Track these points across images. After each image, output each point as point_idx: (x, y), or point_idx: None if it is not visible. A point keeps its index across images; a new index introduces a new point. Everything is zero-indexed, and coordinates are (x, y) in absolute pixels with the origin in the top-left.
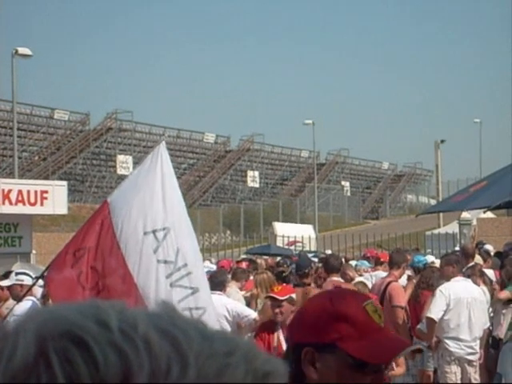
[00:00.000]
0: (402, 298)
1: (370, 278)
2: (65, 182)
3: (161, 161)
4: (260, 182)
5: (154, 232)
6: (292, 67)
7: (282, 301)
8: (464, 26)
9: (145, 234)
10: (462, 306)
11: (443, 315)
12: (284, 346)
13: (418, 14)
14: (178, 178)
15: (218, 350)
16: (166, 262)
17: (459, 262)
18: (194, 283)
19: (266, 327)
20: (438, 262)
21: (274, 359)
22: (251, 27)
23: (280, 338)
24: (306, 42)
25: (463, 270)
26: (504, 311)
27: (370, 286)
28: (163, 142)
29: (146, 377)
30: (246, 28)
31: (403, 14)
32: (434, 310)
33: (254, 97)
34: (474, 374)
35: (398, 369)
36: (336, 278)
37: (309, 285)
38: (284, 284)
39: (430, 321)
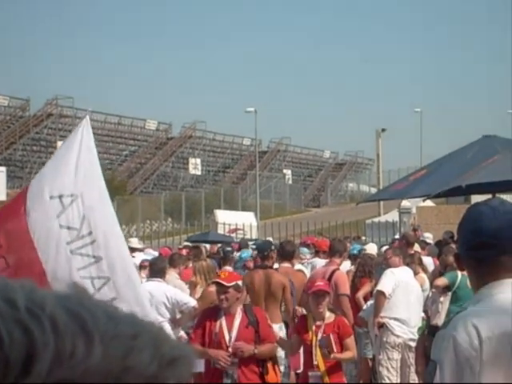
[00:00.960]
0: (347, 287)
1: (307, 265)
2: (4, 168)
3: (81, 134)
4: (202, 170)
5: (60, 197)
6: (234, 54)
7: (229, 287)
8: (400, 15)
9: (51, 198)
10: (408, 290)
11: (391, 294)
12: (226, 333)
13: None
14: (119, 165)
15: (124, 332)
16: (69, 227)
17: (405, 252)
18: (97, 252)
19: (210, 313)
20: (377, 250)
21: (182, 345)
22: (192, 14)
23: (222, 325)
24: (246, 29)
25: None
26: (442, 299)
27: (307, 273)
28: (87, 117)
29: (50, 355)
30: (186, 15)
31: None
32: (384, 285)
33: (196, 84)
34: (412, 360)
35: (347, 352)
36: (287, 265)
37: (270, 267)
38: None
39: (380, 295)
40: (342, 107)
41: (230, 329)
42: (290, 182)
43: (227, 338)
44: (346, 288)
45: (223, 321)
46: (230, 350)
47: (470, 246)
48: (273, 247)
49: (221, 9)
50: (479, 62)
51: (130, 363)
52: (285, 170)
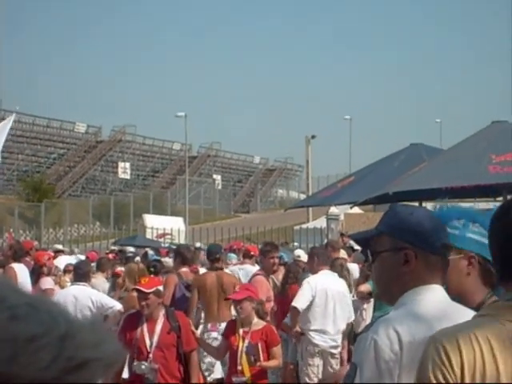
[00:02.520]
0: (264, 291)
1: (238, 271)
2: None
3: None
4: (131, 174)
5: None
6: (165, 58)
7: (149, 293)
8: (329, 22)
9: None
10: (327, 298)
11: (309, 306)
12: (147, 339)
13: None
14: (48, 168)
15: (20, 334)
16: None
17: (324, 254)
18: None
19: (131, 318)
20: (305, 257)
21: (97, 347)
22: (124, 15)
23: (143, 330)
24: (177, 33)
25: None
26: (365, 306)
27: (239, 278)
28: (14, 115)
29: None
30: (118, 16)
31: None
32: (299, 300)
33: (127, 87)
34: (336, 366)
35: (273, 361)
36: (186, 269)
37: (221, 269)
38: (152, 276)
39: (294, 310)
40: (272, 113)
41: (152, 334)
42: (220, 187)
43: (148, 343)
44: (262, 292)
45: (144, 327)
46: (151, 355)
47: None
48: (222, 251)
49: (152, 11)
50: (408, 70)
51: (18, 367)
52: (214, 176)
